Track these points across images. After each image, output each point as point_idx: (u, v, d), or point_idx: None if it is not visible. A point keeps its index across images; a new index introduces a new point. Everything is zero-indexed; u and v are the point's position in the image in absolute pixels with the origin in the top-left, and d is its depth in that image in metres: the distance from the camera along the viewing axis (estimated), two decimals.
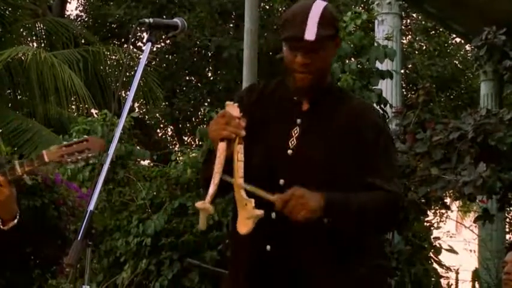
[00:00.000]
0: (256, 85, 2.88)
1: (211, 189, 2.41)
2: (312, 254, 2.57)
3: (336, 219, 2.50)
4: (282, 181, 2.57)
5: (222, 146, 2.47)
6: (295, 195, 2.45)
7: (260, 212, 2.39)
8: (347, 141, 2.57)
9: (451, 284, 7.65)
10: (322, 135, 2.60)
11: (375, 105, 7.25)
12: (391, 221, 2.71)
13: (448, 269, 7.64)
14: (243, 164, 2.46)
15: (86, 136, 3.02)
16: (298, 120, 2.62)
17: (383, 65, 7.70)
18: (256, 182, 2.49)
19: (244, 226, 2.43)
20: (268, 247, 2.57)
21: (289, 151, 2.60)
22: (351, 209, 2.51)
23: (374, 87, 7.31)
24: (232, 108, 2.55)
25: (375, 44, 7.63)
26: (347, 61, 7.31)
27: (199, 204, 2.40)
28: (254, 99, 2.71)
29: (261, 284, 2.61)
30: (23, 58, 11.42)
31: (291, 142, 2.61)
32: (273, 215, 2.51)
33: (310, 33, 2.51)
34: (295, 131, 2.62)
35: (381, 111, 7.38)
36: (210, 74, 18.37)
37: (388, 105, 7.47)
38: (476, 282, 7.36)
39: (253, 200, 2.42)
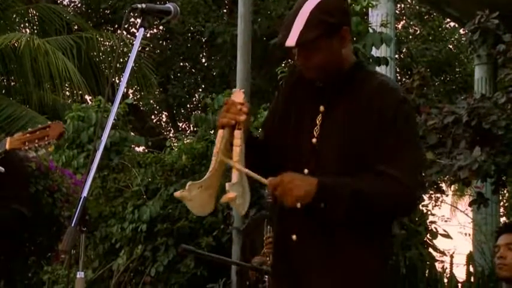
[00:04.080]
0: (296, 67, 2.83)
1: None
2: (332, 243, 2.58)
3: (329, 203, 2.49)
4: (306, 171, 2.59)
5: (219, 133, 2.58)
6: (284, 180, 2.48)
7: (232, 195, 2.50)
8: (368, 126, 2.54)
9: (446, 268, 7.65)
10: (343, 122, 2.58)
11: None
12: (393, 211, 2.63)
13: (442, 253, 7.65)
14: (239, 149, 2.53)
15: (49, 122, 3.01)
16: (321, 108, 2.62)
17: (377, 51, 7.66)
18: (284, 170, 2.53)
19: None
20: (294, 237, 2.61)
21: (314, 139, 2.61)
22: (343, 193, 2.48)
23: None
24: (237, 95, 2.62)
25: (369, 30, 7.59)
26: None
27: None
28: (293, 82, 2.77)
29: (287, 271, 2.66)
30: (16, 45, 11.36)
31: (315, 130, 2.62)
32: (298, 204, 2.51)
33: (291, 39, 2.51)
34: (319, 118, 2.62)
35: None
36: (204, 60, 18.31)
37: None
38: (471, 266, 7.37)
39: (236, 193, 2.52)
